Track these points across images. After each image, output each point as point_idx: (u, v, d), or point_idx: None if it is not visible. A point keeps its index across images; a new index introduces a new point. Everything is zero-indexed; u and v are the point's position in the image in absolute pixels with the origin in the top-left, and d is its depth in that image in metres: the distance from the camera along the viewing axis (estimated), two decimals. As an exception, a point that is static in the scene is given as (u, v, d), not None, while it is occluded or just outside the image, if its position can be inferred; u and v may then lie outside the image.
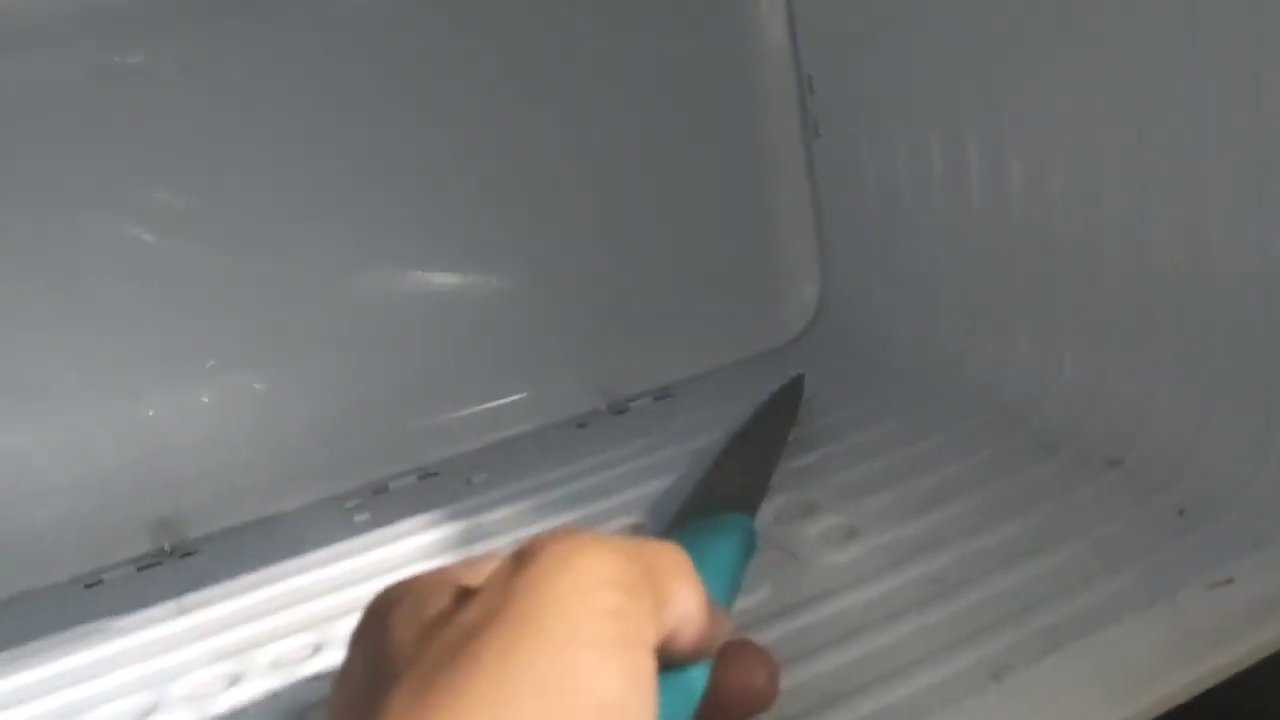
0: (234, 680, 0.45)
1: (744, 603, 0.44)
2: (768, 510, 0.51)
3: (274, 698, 0.44)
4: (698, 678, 0.30)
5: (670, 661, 0.28)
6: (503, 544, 0.52)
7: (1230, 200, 0.45)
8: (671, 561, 0.29)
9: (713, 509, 0.42)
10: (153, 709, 0.44)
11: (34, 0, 0.54)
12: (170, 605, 0.51)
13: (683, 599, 0.28)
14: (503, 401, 0.65)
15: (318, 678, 0.44)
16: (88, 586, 0.56)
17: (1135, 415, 0.51)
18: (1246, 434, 0.46)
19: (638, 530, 0.52)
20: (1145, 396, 0.51)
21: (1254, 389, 0.46)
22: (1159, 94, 0.46)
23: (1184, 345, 0.49)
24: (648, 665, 0.26)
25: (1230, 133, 0.44)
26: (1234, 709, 0.39)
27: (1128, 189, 0.49)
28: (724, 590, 0.36)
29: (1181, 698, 0.36)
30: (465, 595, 0.26)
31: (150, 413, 0.59)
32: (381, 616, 0.27)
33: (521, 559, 0.27)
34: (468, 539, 0.53)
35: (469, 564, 0.29)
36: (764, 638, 0.41)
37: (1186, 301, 0.48)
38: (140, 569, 0.57)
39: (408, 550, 0.53)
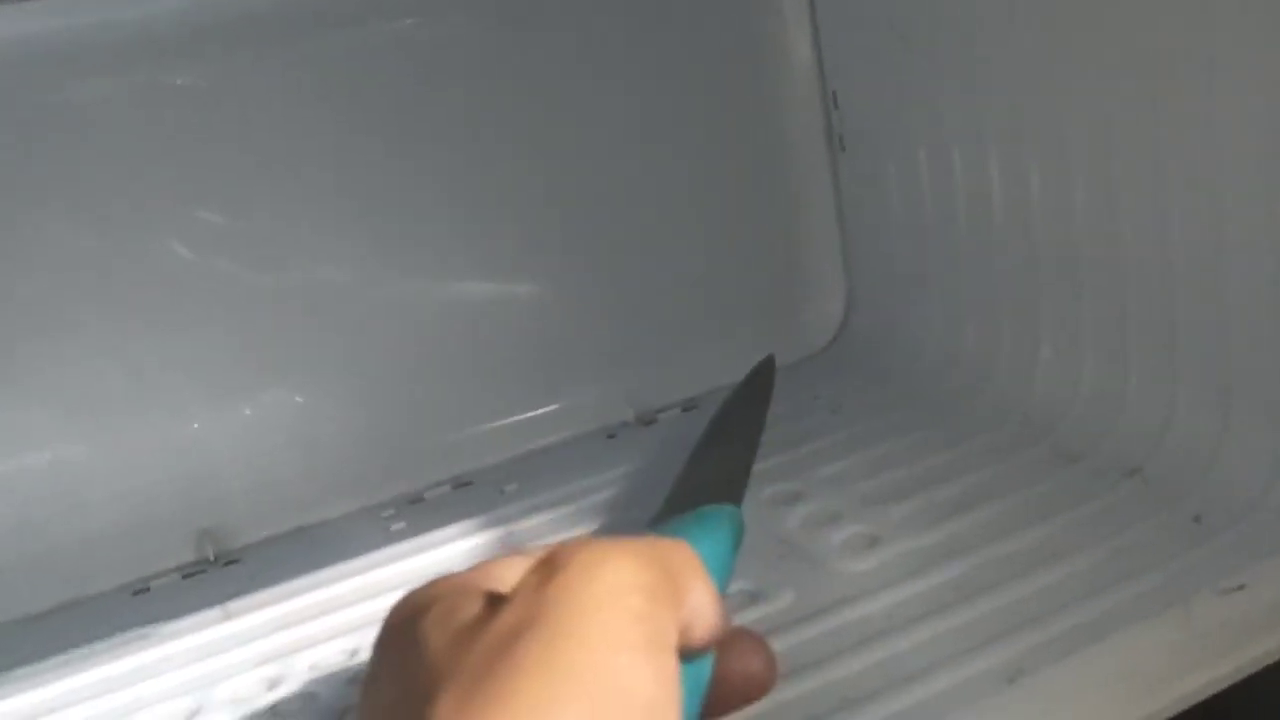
0: (274, 684, 0.47)
1: (768, 607, 0.46)
2: (793, 518, 0.52)
3: (312, 700, 0.45)
4: (705, 667, 0.31)
5: (682, 654, 0.29)
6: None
7: (1247, 213, 0.46)
8: (684, 560, 0.30)
9: (700, 499, 0.42)
10: (196, 712, 0.46)
11: (89, 24, 0.57)
12: (214, 611, 0.53)
13: (696, 596, 0.30)
14: (534, 413, 0.67)
15: (354, 681, 0.46)
16: (135, 594, 0.58)
17: (1155, 425, 0.51)
18: (1264, 443, 0.47)
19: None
20: (1165, 407, 0.51)
21: (1271, 399, 0.46)
22: (1176, 107, 0.47)
23: (1203, 356, 0.49)
24: (672, 664, 0.27)
25: (1246, 145, 0.45)
26: (1246, 710, 0.40)
27: (1147, 202, 0.50)
28: (719, 580, 0.37)
29: (1192, 700, 0.37)
30: (496, 602, 0.27)
31: (195, 426, 0.61)
32: (410, 623, 0.28)
33: (550, 567, 0.27)
34: (500, 548, 0.55)
35: (485, 570, 0.30)
36: (787, 642, 0.43)
37: (1205, 313, 0.49)
38: (186, 577, 0.58)
39: (442, 558, 0.55)
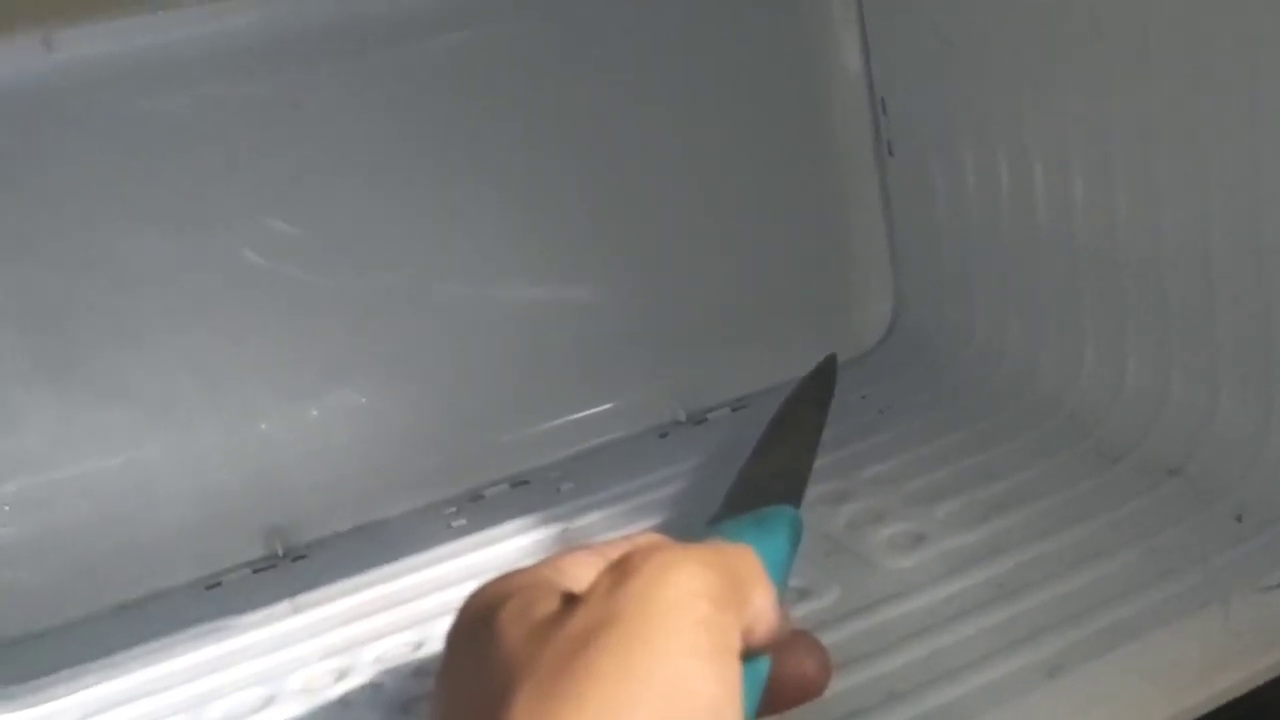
0: (342, 675, 0.49)
1: (815, 604, 0.47)
2: (840, 517, 0.54)
3: (379, 691, 0.47)
4: (763, 667, 0.32)
5: (743, 655, 0.31)
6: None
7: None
8: (748, 567, 0.32)
9: (759, 501, 0.43)
10: (269, 701, 0.48)
11: (166, 41, 0.59)
12: (284, 605, 0.55)
13: (759, 601, 0.31)
14: (588, 413, 0.68)
15: (418, 673, 0.47)
16: (208, 588, 0.60)
17: (1197, 424, 0.52)
18: (1306, 442, 0.47)
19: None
20: (1207, 406, 0.52)
21: (1313, 399, 0.47)
22: (1218, 111, 0.48)
23: (1245, 356, 0.50)
24: (736, 668, 0.29)
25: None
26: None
27: (1188, 203, 0.51)
28: (778, 582, 0.38)
29: (1228, 697, 0.38)
30: (570, 601, 0.29)
31: (263, 426, 0.63)
32: (486, 617, 0.29)
33: (623, 571, 0.29)
34: (557, 544, 0.56)
35: (557, 566, 0.32)
36: (833, 637, 0.43)
37: (1247, 313, 0.49)
38: (256, 571, 0.60)
39: (502, 554, 0.56)
